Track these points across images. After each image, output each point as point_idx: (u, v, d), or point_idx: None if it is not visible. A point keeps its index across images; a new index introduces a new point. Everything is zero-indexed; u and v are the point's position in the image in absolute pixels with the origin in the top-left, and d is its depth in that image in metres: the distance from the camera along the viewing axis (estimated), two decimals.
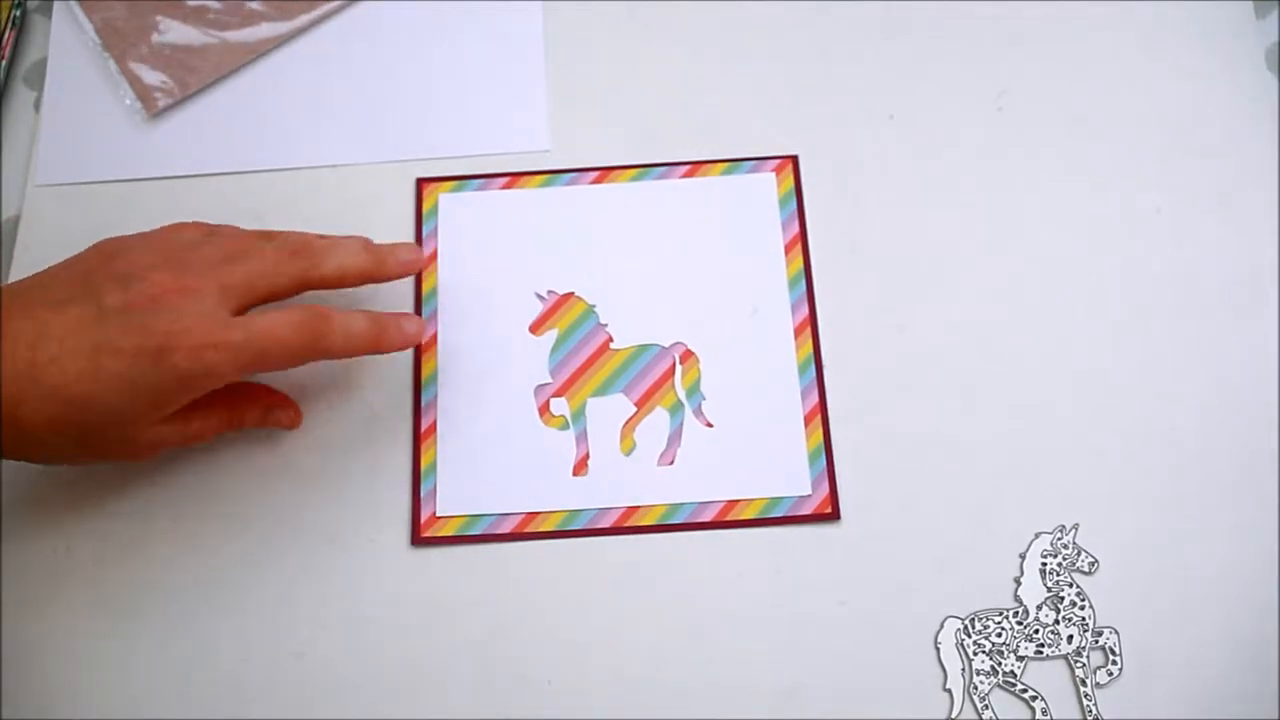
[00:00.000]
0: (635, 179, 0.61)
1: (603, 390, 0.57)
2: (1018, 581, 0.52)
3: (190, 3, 0.65)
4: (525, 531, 0.54)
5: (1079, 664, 0.51)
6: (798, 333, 0.57)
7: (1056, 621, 0.51)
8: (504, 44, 0.64)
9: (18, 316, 0.45)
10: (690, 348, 0.57)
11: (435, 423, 0.56)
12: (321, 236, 0.52)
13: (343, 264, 0.51)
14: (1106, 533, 0.53)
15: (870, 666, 0.51)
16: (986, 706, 0.50)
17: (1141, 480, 0.54)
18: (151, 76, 0.63)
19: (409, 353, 0.57)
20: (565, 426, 0.56)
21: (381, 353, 0.53)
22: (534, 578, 0.53)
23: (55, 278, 0.48)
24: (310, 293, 0.51)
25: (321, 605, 0.53)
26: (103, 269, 0.47)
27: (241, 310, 0.48)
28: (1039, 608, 0.52)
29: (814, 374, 0.57)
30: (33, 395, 0.44)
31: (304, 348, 0.48)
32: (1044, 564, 0.52)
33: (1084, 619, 0.51)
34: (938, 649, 0.51)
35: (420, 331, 0.54)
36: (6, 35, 0.65)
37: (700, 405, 0.56)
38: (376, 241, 0.53)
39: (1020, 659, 0.51)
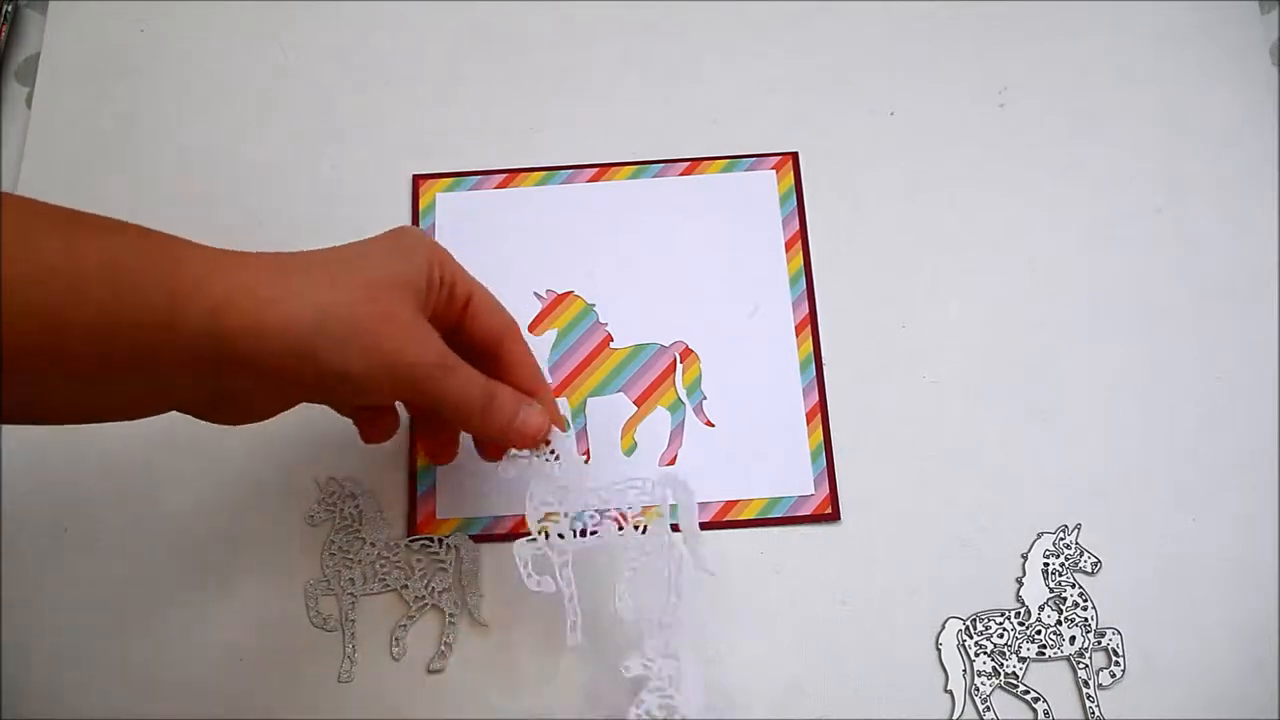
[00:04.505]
0: (633, 176, 0.61)
1: (602, 389, 0.56)
2: (1020, 582, 0.52)
3: None
4: (523, 531, 0.53)
5: (1081, 665, 0.51)
6: (798, 331, 0.57)
7: (1059, 622, 0.51)
8: None
9: (281, 277, 0.41)
10: (690, 346, 0.57)
11: None
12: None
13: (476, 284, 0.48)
14: (1109, 533, 0.53)
15: (870, 667, 0.51)
16: (988, 708, 0.50)
17: (1142, 480, 0.54)
18: None
19: None
20: (565, 426, 0.55)
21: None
22: None
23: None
24: None
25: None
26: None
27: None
28: (1041, 608, 0.51)
29: (814, 372, 0.56)
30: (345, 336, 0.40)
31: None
32: (1046, 564, 0.52)
33: (1086, 620, 0.51)
34: (939, 650, 0.51)
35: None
36: None
37: (700, 404, 0.56)
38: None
39: (1022, 660, 0.51)
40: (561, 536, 0.48)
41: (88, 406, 0.40)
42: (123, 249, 0.38)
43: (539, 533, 0.48)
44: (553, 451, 0.48)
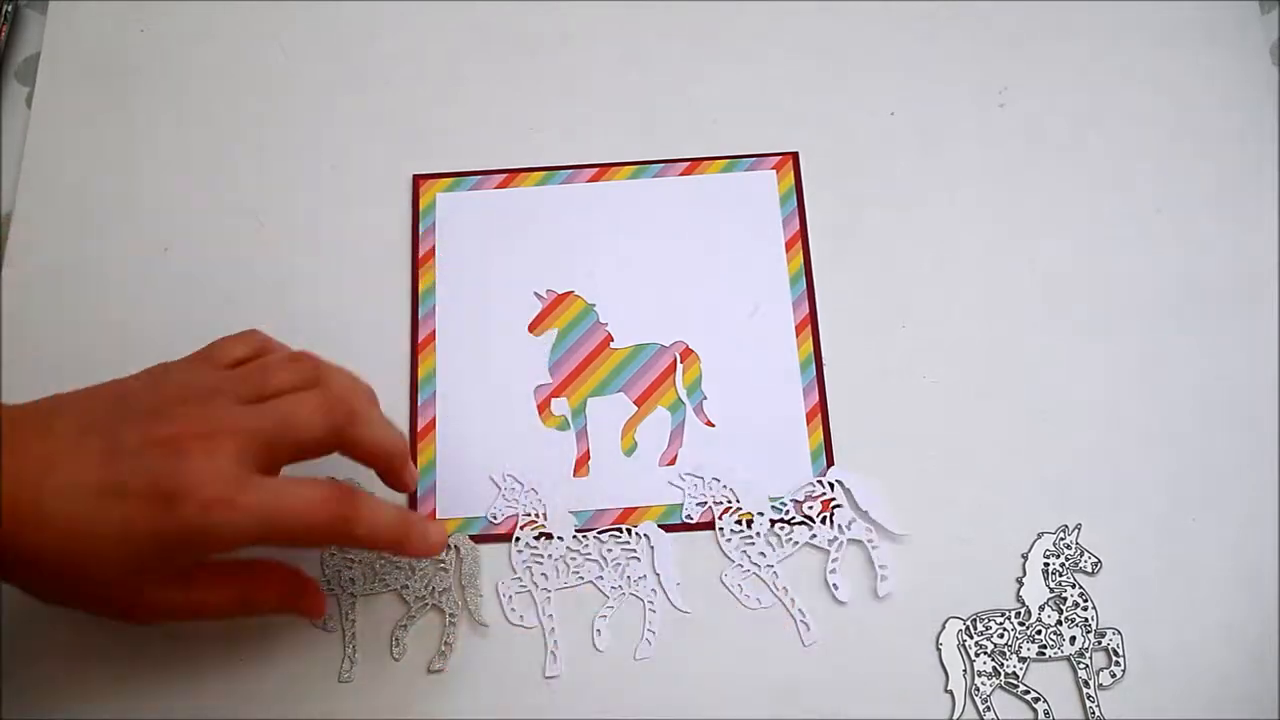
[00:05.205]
0: (633, 176, 0.61)
1: (602, 389, 0.56)
2: (1020, 582, 0.52)
3: None
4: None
5: (1082, 665, 0.51)
6: (798, 331, 0.57)
7: (1059, 622, 0.51)
8: None
9: (35, 436, 0.41)
10: (690, 346, 0.57)
11: (433, 421, 0.56)
12: (371, 401, 0.48)
13: (377, 437, 0.47)
14: (1109, 533, 0.53)
15: (871, 667, 0.51)
16: (988, 708, 0.50)
17: (1143, 480, 0.54)
18: None
19: (405, 351, 0.57)
20: (565, 426, 0.56)
21: (399, 555, 0.51)
22: None
23: (91, 397, 0.44)
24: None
25: None
26: (135, 398, 0.44)
27: (268, 464, 0.44)
28: (1041, 608, 0.51)
29: (814, 372, 0.56)
30: (33, 521, 0.40)
31: (324, 528, 0.43)
32: (1046, 564, 0.52)
33: (1087, 620, 0.51)
34: (939, 650, 0.51)
35: (441, 543, 0.48)
36: None
37: (701, 404, 0.56)
38: None
39: (1022, 660, 0.51)
40: (545, 576, 0.52)
41: None
42: None
43: (523, 570, 0.52)
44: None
